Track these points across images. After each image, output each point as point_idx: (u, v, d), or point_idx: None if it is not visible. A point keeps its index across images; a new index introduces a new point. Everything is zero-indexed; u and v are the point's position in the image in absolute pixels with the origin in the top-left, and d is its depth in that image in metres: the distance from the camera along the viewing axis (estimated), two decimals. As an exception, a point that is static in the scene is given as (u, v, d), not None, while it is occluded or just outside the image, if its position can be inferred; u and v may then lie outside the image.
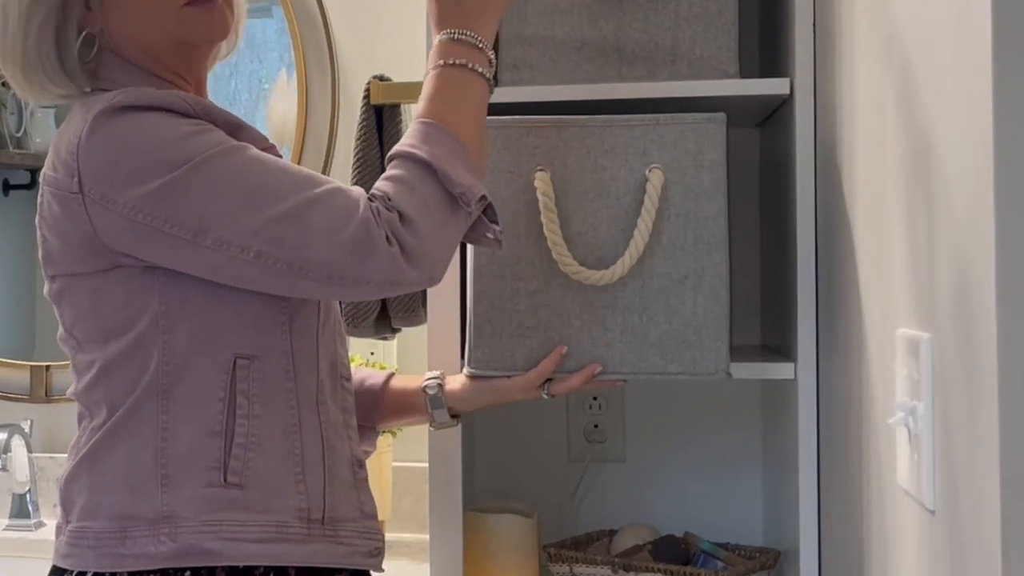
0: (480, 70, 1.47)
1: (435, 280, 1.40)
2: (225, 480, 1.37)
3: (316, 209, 1.33)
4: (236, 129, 1.40)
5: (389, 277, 1.34)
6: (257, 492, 1.38)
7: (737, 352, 2.01)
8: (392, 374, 1.78)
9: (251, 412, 1.39)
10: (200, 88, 1.54)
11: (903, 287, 1.26)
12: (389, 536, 2.47)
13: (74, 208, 1.35)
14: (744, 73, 1.90)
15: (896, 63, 1.29)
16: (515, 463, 2.26)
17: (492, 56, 1.50)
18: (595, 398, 2.22)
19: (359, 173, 2.25)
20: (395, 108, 2.29)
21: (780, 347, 1.98)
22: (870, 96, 1.43)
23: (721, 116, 1.69)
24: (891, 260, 1.32)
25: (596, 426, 2.24)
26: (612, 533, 2.11)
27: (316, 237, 1.32)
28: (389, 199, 1.36)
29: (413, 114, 2.33)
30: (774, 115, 2.03)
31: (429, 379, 1.73)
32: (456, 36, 1.47)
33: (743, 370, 1.81)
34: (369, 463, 1.86)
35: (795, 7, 1.79)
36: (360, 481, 1.52)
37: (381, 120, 2.29)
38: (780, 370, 1.82)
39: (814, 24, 1.78)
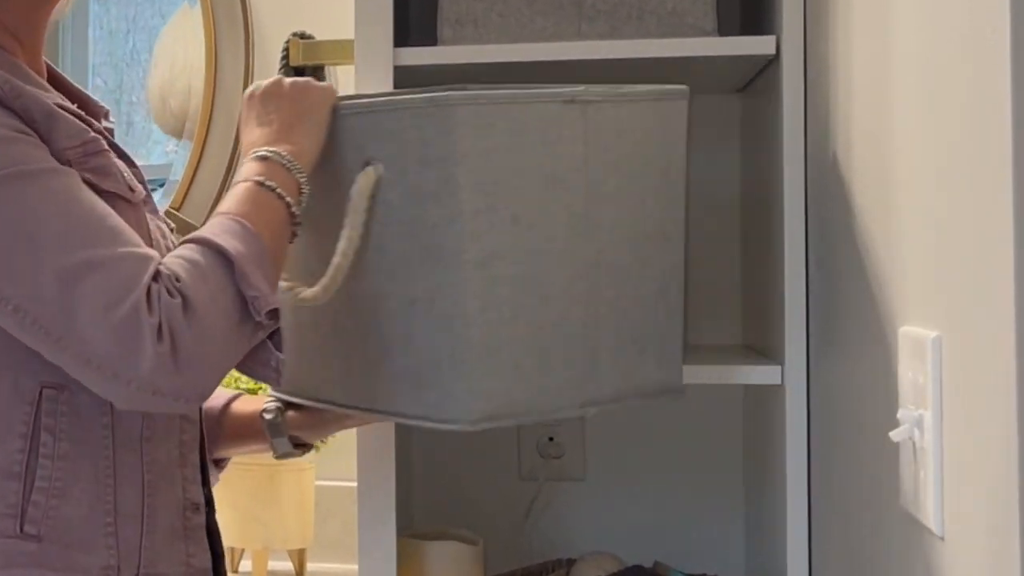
0: (288, 200, 1.40)
1: (201, 399, 1.31)
2: (21, 530, 1.32)
3: (95, 274, 1.25)
4: (49, 119, 1.34)
5: (151, 383, 1.25)
6: (57, 546, 1.33)
7: (715, 353, 2.01)
8: (239, 395, 1.72)
9: (57, 451, 1.34)
10: (35, 56, 1.49)
11: (908, 279, 1.26)
12: (311, 566, 2.46)
13: None
14: (723, 31, 1.91)
15: (900, 19, 1.29)
16: (458, 482, 2.26)
17: (303, 181, 1.44)
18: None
19: (277, 145, 2.27)
20: (318, 70, 2.30)
21: (765, 347, 1.99)
22: (870, 57, 1.44)
23: (447, 97, 1.45)
24: (895, 248, 1.32)
25: (551, 439, 2.23)
26: (570, 563, 2.10)
27: (83, 308, 1.24)
28: (177, 280, 1.28)
29: (341, 78, 2.37)
30: (757, 79, 2.03)
31: (269, 401, 1.66)
32: (265, 154, 1.42)
33: (722, 374, 1.81)
34: (290, 481, 1.84)
35: (781, -47, 1.79)
36: (193, 529, 1.47)
37: (303, 84, 2.30)
38: (765, 374, 1.82)
39: (804, -27, 1.78)
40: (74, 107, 1.42)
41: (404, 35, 1.99)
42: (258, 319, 1.32)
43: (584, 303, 1.50)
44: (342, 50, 2.24)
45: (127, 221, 1.35)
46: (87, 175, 1.35)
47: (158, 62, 2.67)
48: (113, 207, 1.35)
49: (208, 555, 1.50)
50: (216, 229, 1.34)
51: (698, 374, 1.82)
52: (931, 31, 1.17)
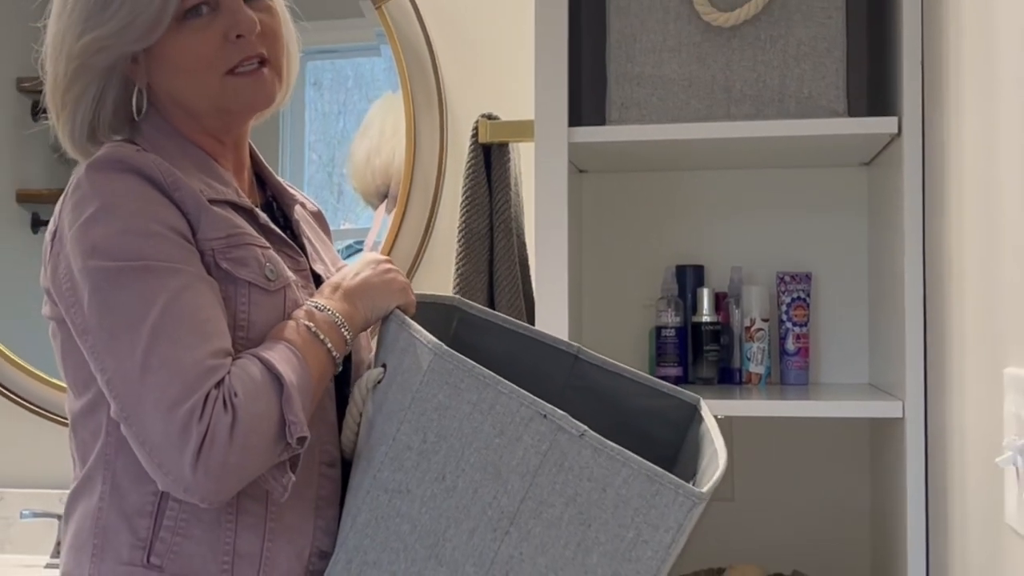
0: (335, 354, 1.41)
1: (222, 503, 1.32)
2: (148, 561, 1.36)
3: (168, 371, 1.28)
4: (200, 212, 1.38)
5: (185, 481, 1.26)
6: None
7: (843, 390, 2.04)
8: None
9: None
10: (239, 147, 1.54)
11: (1010, 328, 1.29)
12: None
13: (49, 252, 1.40)
14: (852, 111, 1.96)
15: (1005, 102, 1.32)
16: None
17: (349, 337, 1.43)
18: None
19: (467, 213, 2.31)
20: (504, 147, 2.35)
21: (887, 385, 2.02)
22: (979, 137, 1.47)
23: (445, 351, 1.34)
24: (998, 305, 1.35)
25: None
26: (720, 571, 2.13)
27: (149, 398, 1.27)
28: (235, 395, 1.29)
29: (522, 153, 2.41)
30: (883, 153, 2.06)
31: None
32: (322, 309, 1.43)
33: (851, 408, 1.88)
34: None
35: (903, 45, 1.84)
36: (315, 574, 1.43)
37: (489, 159, 2.36)
38: (888, 408, 1.86)
39: (922, 62, 1.82)
40: (243, 200, 1.47)
41: (577, 116, 2.07)
42: (289, 441, 1.33)
43: None
44: (523, 129, 2.30)
45: (259, 306, 1.40)
46: (225, 264, 1.38)
47: (367, 131, 2.75)
48: (248, 294, 1.39)
49: None
50: (274, 355, 1.35)
51: (829, 408, 1.87)
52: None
